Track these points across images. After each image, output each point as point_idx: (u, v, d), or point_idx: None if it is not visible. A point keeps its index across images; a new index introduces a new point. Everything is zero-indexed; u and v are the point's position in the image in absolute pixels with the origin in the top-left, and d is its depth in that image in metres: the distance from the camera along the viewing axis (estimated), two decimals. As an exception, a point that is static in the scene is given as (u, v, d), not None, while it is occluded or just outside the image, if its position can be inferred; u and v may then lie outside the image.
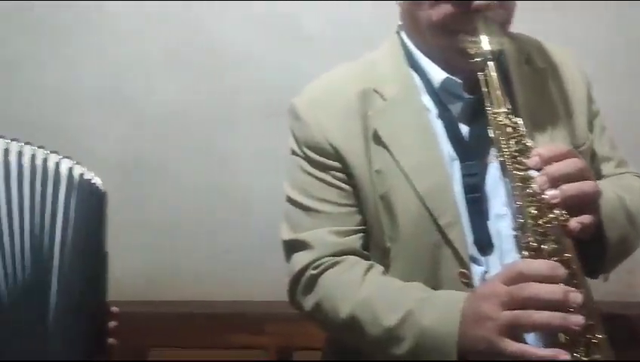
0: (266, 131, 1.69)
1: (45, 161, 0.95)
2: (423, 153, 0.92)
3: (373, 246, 0.96)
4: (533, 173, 0.82)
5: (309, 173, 0.97)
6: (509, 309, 0.77)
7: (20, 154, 0.91)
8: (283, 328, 1.68)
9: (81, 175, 1.00)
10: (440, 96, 0.95)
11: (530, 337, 0.81)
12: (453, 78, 0.94)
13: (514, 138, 0.84)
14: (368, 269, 0.93)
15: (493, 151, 0.90)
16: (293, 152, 1.00)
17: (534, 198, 0.80)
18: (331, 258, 0.93)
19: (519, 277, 0.78)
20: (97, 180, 1.05)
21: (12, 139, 0.91)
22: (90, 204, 0.99)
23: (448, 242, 0.90)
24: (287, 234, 0.99)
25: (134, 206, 1.72)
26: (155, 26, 1.69)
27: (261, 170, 1.72)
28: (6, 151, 0.89)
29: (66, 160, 1.00)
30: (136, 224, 1.72)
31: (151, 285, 1.75)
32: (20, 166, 0.90)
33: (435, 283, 0.90)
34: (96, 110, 1.73)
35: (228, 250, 1.78)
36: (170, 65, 1.70)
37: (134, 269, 1.70)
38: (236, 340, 1.69)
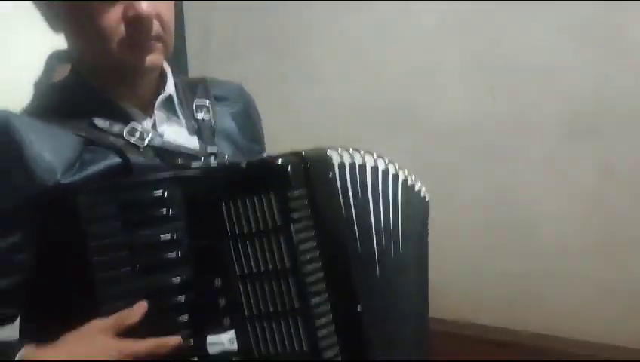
0: (566, 150, 1.53)
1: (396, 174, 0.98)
2: None
3: None
4: None
5: None
6: None
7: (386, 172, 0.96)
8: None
9: (419, 190, 1.01)
10: None
11: None
12: None
13: None
14: None
15: None
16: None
17: None
18: None
19: None
20: (424, 190, 1.04)
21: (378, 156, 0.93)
22: (421, 215, 1.01)
23: None
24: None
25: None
26: (452, 33, 1.63)
27: (553, 192, 1.57)
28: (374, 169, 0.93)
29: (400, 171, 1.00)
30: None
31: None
32: (385, 181, 0.95)
33: None
34: (386, 120, 1.72)
35: (503, 273, 1.66)
36: (465, 75, 1.63)
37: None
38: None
